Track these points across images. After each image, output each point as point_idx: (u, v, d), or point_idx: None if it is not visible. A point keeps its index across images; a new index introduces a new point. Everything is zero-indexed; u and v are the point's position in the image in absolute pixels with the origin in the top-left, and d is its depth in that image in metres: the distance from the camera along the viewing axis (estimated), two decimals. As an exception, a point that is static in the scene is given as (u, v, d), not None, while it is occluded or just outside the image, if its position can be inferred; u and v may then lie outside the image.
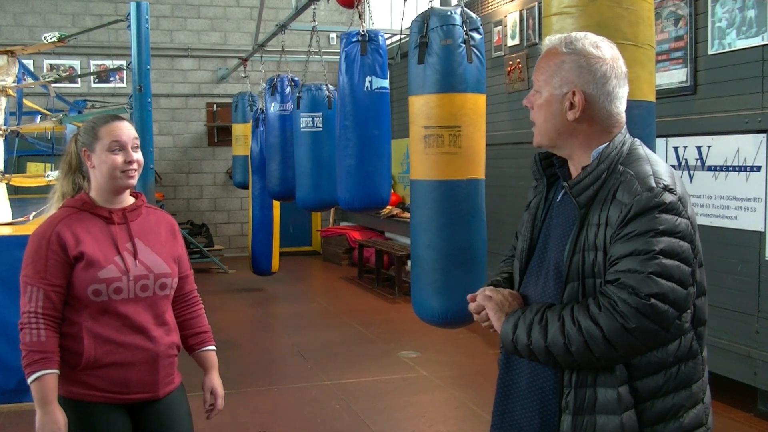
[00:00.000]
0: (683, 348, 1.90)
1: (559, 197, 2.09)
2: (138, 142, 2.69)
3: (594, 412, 1.89)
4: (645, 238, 1.80)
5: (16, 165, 8.23)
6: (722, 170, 5.19)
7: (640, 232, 1.81)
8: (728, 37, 5.16)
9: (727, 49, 5.19)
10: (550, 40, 2.06)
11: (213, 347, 2.89)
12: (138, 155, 2.65)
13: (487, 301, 2.06)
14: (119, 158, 2.59)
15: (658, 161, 1.96)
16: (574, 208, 1.96)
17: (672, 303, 1.80)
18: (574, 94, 1.96)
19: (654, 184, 1.85)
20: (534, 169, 2.17)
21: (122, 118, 2.72)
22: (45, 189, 6.06)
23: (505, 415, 2.11)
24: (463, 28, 4.01)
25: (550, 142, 2.05)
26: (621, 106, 2.01)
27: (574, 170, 2.05)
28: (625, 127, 2.03)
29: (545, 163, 2.15)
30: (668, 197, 1.84)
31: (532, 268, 2.10)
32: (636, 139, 2.04)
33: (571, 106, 1.97)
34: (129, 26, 5.64)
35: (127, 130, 2.65)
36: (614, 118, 2.00)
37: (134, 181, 2.66)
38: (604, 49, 1.99)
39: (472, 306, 2.12)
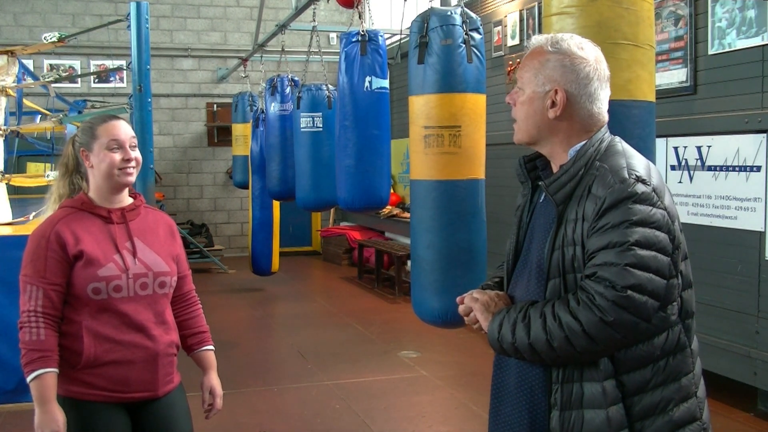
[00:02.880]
0: (671, 341, 1.90)
1: (542, 198, 2.11)
2: (135, 140, 2.70)
3: (581, 406, 1.90)
4: (620, 229, 1.82)
5: (16, 165, 8.22)
6: (722, 170, 5.18)
7: (615, 224, 1.83)
8: (728, 37, 5.16)
9: (727, 49, 5.19)
10: (536, 39, 2.08)
11: (211, 347, 2.90)
12: (136, 153, 2.66)
13: (473, 303, 2.10)
14: (117, 156, 2.60)
15: (635, 155, 1.98)
16: (553, 207, 1.98)
17: (650, 293, 1.81)
18: (556, 92, 1.99)
19: (626, 176, 1.87)
20: (519, 172, 2.20)
21: (119, 117, 2.73)
22: (45, 189, 6.04)
23: (498, 415, 2.13)
24: (463, 28, 4.02)
25: (529, 139, 2.08)
26: (602, 108, 2.03)
27: (555, 169, 2.07)
28: (606, 126, 2.05)
29: (529, 166, 2.18)
30: (641, 188, 1.85)
31: (518, 269, 2.13)
32: (616, 136, 2.05)
33: (553, 104, 1.99)
34: (129, 26, 5.64)
35: (124, 129, 2.66)
36: (595, 118, 2.02)
37: (133, 179, 2.67)
38: (588, 51, 2.01)
39: (461, 308, 2.16)
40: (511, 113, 2.12)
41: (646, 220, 1.83)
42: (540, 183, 2.05)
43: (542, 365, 1.96)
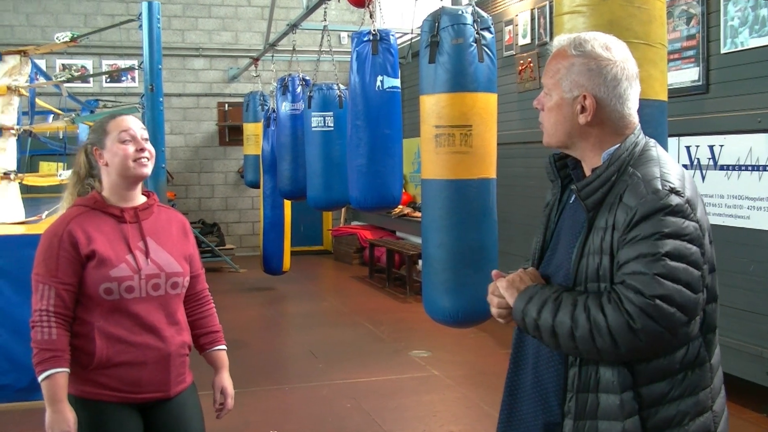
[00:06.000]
0: (690, 355, 1.87)
1: (572, 199, 2.07)
2: (146, 133, 2.71)
3: (596, 417, 1.87)
4: (650, 240, 1.78)
5: (28, 164, 8.27)
6: (735, 170, 5.16)
7: (646, 235, 1.79)
8: (741, 35, 5.13)
9: (739, 48, 5.17)
10: (558, 41, 2.02)
11: (224, 347, 2.90)
12: (148, 145, 2.67)
13: (500, 281, 2.05)
14: (130, 147, 2.61)
15: (669, 162, 1.93)
16: (583, 211, 1.94)
17: (679, 306, 1.77)
18: (585, 98, 1.94)
19: (660, 187, 1.83)
20: (548, 170, 2.15)
21: (127, 114, 2.74)
22: (57, 188, 6.10)
23: (512, 415, 2.11)
24: (474, 27, 4.01)
25: (559, 144, 2.04)
26: (633, 107, 1.98)
27: (587, 171, 2.03)
28: (638, 127, 2.00)
29: (560, 164, 2.13)
30: (675, 200, 1.81)
31: (543, 268, 2.09)
32: (651, 139, 2.01)
33: (582, 109, 1.95)
34: (140, 26, 5.66)
35: (134, 122, 2.68)
36: (626, 119, 1.97)
37: (148, 170, 2.66)
38: (614, 51, 1.96)
39: (490, 286, 2.10)
40: (539, 117, 2.07)
41: (678, 232, 1.79)
42: (572, 187, 2.02)
43: (555, 349, 1.93)
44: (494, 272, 2.12)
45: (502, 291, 2.02)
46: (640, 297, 1.76)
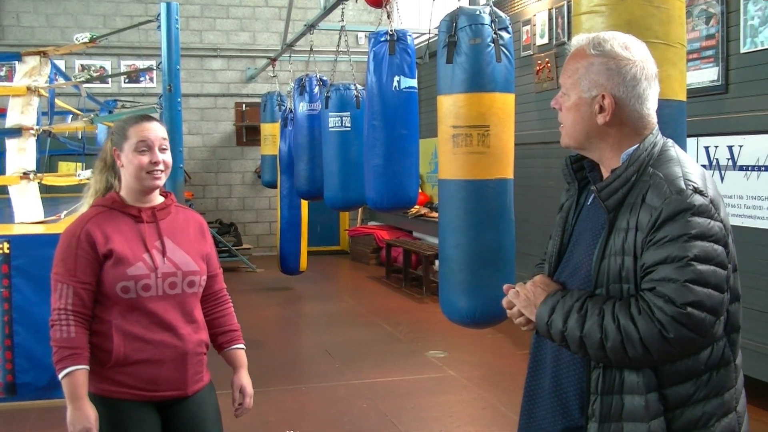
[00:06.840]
0: (715, 355, 1.85)
1: (590, 201, 2.06)
2: (167, 143, 2.69)
3: (621, 419, 1.86)
4: (678, 243, 1.76)
5: (47, 164, 8.32)
6: (754, 170, 5.13)
7: (673, 237, 1.77)
8: (761, 35, 5.10)
9: (759, 48, 5.13)
10: (577, 41, 2.01)
11: (242, 346, 2.90)
12: (165, 156, 2.66)
13: (515, 298, 2.03)
14: (145, 159, 2.61)
15: (689, 163, 1.92)
16: (603, 212, 1.92)
17: (709, 310, 1.76)
18: (603, 97, 1.92)
19: (683, 186, 1.81)
20: (565, 172, 2.13)
21: (153, 119, 2.73)
22: (76, 188, 6.13)
23: (531, 418, 2.10)
24: (491, 27, 4.00)
25: (578, 145, 2.02)
26: (652, 107, 1.97)
27: (605, 173, 2.01)
28: (656, 127, 1.99)
29: (576, 166, 2.12)
30: (699, 199, 1.80)
31: (560, 271, 2.08)
32: (669, 139, 1.99)
33: (601, 109, 1.93)
34: (159, 27, 5.69)
35: (155, 131, 2.66)
36: (645, 119, 1.96)
37: (160, 183, 2.67)
38: (634, 50, 1.94)
39: (504, 301, 2.08)
40: (557, 117, 2.06)
41: (704, 233, 1.78)
42: (591, 188, 2.00)
43: (582, 357, 1.91)
44: (505, 287, 2.10)
45: (522, 310, 2.01)
46: (672, 306, 1.74)
